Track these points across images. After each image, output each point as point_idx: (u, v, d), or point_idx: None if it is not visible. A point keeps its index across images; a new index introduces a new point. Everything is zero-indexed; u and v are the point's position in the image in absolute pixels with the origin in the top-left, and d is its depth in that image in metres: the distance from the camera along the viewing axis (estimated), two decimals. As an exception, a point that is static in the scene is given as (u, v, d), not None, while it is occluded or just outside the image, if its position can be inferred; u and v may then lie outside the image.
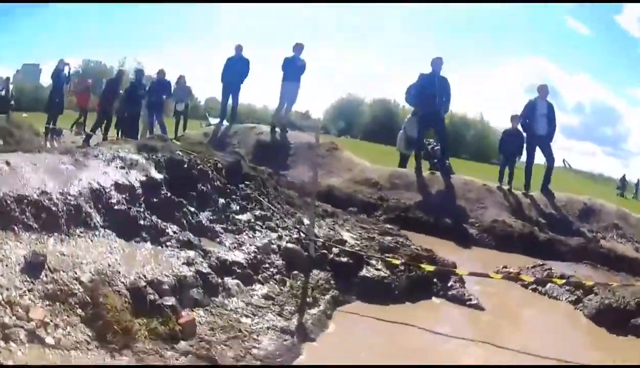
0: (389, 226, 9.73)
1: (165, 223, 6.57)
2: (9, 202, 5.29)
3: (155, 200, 6.85)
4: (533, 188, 13.02)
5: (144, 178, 7.04)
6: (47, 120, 18.44)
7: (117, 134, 18.90)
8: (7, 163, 5.99)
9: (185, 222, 6.83)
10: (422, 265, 7.29)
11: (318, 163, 12.25)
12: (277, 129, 15.13)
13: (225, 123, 16.61)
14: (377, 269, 7.23)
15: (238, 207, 7.79)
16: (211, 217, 7.27)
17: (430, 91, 12.89)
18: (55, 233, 5.42)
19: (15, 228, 5.14)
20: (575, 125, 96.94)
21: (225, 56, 16.36)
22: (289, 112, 16.22)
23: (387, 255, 7.59)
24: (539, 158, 13.77)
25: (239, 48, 16.64)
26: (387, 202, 11.73)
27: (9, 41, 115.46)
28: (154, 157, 7.65)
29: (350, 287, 6.92)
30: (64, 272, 4.83)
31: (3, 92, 22.35)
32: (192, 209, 7.15)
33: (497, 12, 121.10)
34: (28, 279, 4.53)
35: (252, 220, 7.58)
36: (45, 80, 68.81)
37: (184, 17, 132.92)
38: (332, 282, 6.86)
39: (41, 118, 19.87)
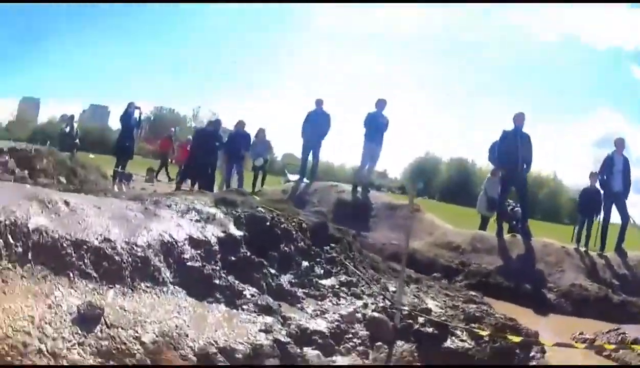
0: (473, 293, 9.24)
1: (242, 285, 6.17)
2: (65, 245, 5.09)
3: (232, 258, 6.47)
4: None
5: (221, 234, 6.70)
6: (116, 163, 17.66)
7: (191, 183, 18.59)
8: (66, 203, 5.75)
9: (264, 284, 6.39)
10: (509, 337, 6.71)
11: (399, 225, 12.08)
12: (359, 188, 14.65)
13: (305, 180, 16.14)
14: (462, 340, 6.67)
15: (322, 271, 7.30)
16: (293, 280, 6.82)
17: (513, 150, 12.54)
18: (117, 286, 5.16)
19: (71, 274, 4.95)
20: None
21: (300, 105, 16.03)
22: (371, 172, 15.88)
23: (472, 325, 7.04)
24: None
25: (319, 102, 16.16)
26: (468, 267, 11.41)
27: (75, 80, 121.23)
28: (233, 212, 7.33)
29: (433, 359, 6.35)
30: (123, 329, 4.58)
31: (67, 129, 22.16)
32: (273, 271, 6.71)
33: (563, 67, 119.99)
34: (79, 332, 4.32)
35: (337, 286, 7.05)
36: (114, 123, 70.99)
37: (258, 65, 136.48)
38: (415, 354, 6.30)
39: (110, 161, 19.47)
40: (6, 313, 4.19)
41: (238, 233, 6.88)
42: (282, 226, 7.44)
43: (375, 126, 14.76)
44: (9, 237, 4.86)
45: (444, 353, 6.49)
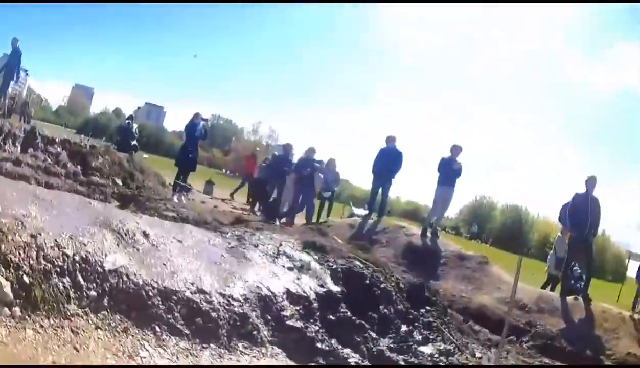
0: (546, 361, 9.26)
1: (345, 350, 5.67)
2: (150, 293, 4.51)
3: (332, 318, 6.01)
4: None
5: (319, 289, 6.25)
6: (177, 175, 15.99)
7: (252, 204, 18.63)
8: (145, 234, 5.21)
9: (365, 349, 5.92)
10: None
11: (468, 277, 11.84)
12: (429, 233, 14.12)
13: (373, 217, 15.47)
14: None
15: (421, 337, 6.75)
16: (392, 346, 6.30)
17: (583, 214, 12.27)
18: (212, 345, 4.63)
19: (157, 329, 4.39)
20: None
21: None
22: (441, 217, 15.55)
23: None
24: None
25: (391, 139, 15.63)
26: (534, 327, 11.03)
27: (129, 75, 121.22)
28: (328, 262, 6.86)
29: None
30: (224, 402, 3.75)
31: (128, 122, 20.74)
32: (374, 334, 6.23)
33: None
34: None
35: (436, 355, 6.52)
36: (169, 124, 71.74)
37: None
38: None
39: (163, 164, 18.83)
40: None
41: (336, 289, 6.49)
42: (382, 286, 7.04)
43: (449, 171, 14.45)
44: (79, 276, 4.32)
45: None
